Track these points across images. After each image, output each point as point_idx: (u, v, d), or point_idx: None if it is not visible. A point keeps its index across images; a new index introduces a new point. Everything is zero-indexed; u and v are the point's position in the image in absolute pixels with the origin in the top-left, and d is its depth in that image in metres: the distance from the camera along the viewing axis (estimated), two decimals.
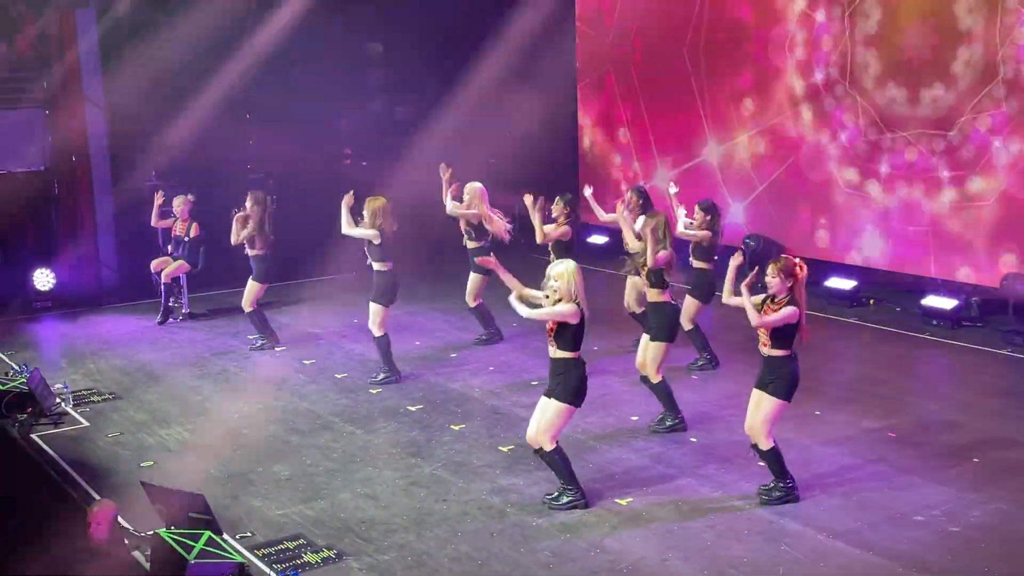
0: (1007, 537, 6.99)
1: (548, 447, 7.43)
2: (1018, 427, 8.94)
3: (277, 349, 11.78)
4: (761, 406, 7.46)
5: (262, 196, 11.73)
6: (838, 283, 13.12)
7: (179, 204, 12.97)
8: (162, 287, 12.98)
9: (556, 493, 7.58)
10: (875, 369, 10.66)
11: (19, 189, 14.37)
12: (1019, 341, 11.11)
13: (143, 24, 14.81)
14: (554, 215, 10.74)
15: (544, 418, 7.41)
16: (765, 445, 7.47)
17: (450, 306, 12.94)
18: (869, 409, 9.43)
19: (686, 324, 10.32)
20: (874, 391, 9.94)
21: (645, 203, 10.52)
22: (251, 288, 11.67)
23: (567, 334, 7.26)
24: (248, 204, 11.55)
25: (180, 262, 12.96)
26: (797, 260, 7.45)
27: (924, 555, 6.74)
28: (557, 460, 7.48)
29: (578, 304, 7.19)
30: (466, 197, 11.46)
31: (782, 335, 7.32)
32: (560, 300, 7.20)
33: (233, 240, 11.65)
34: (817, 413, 9.22)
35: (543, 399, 7.49)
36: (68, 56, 14.49)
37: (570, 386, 7.34)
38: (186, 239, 12.90)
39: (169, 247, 13.13)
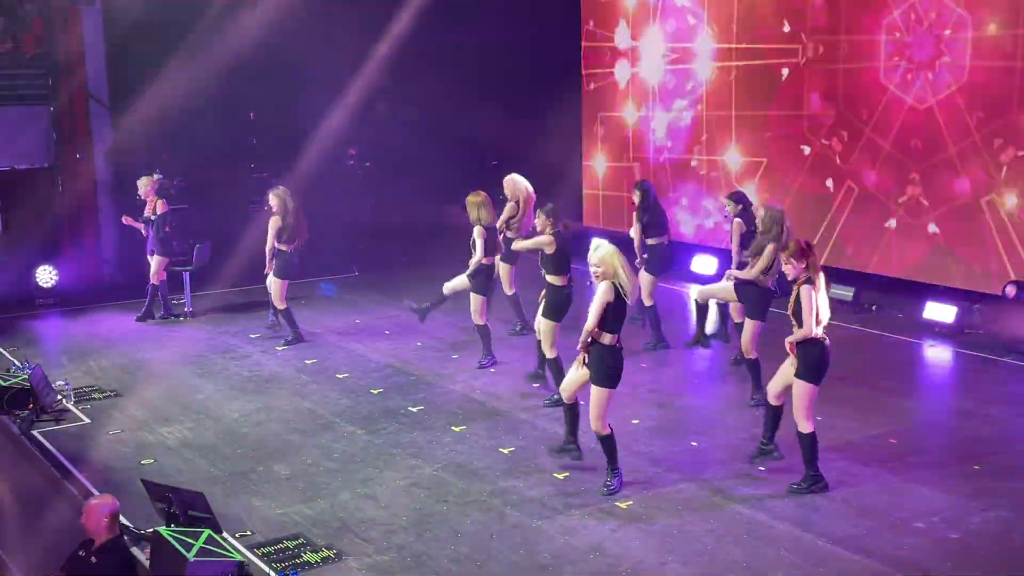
0: (1008, 544, 6.98)
1: (606, 432, 7.65)
2: (1019, 435, 8.94)
3: (278, 348, 11.79)
4: (794, 391, 7.57)
5: (282, 192, 11.80)
6: (839, 290, 13.10)
7: (144, 185, 12.83)
8: (151, 287, 12.96)
9: (609, 480, 7.77)
10: (876, 375, 10.65)
11: (23, 186, 14.41)
12: (1020, 349, 11.10)
13: (147, 22, 14.84)
14: (539, 229, 9.81)
15: (592, 405, 7.60)
16: (804, 428, 7.56)
17: (452, 307, 12.91)
18: (870, 415, 9.43)
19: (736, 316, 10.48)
20: (875, 397, 9.94)
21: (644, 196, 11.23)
22: (275, 285, 11.73)
23: (607, 316, 7.44)
24: (272, 202, 11.75)
25: (156, 259, 12.84)
26: (804, 241, 7.62)
27: (924, 561, 6.74)
28: (612, 444, 7.73)
29: (615, 284, 7.41)
30: (508, 191, 11.47)
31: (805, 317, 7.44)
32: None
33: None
34: (818, 418, 9.17)
35: (585, 375, 7.68)
36: (73, 54, 14.53)
37: (604, 369, 7.53)
38: (153, 217, 12.78)
39: (141, 225, 12.93)
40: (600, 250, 7.55)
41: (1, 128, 14.33)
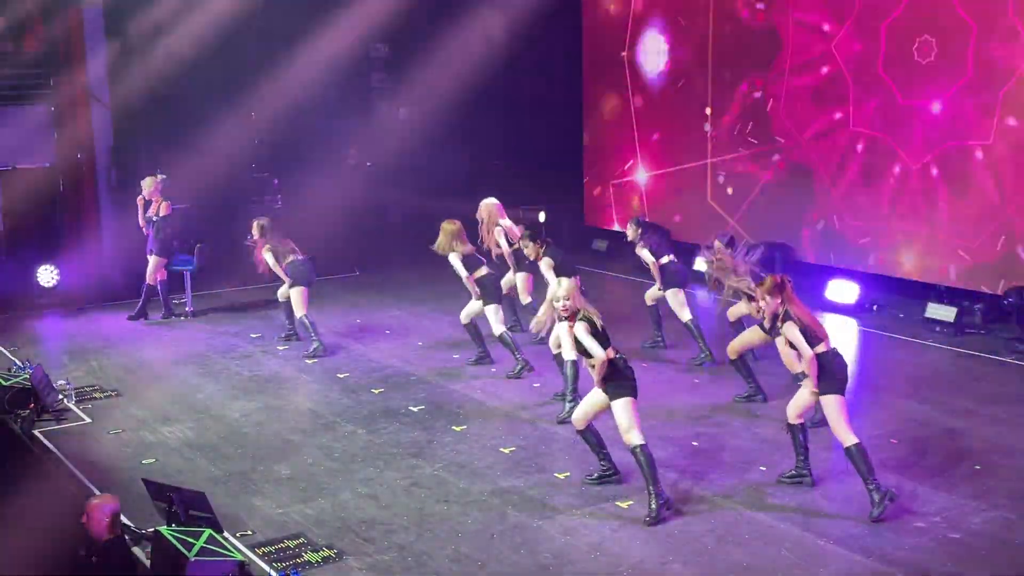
0: (1008, 544, 6.98)
1: (639, 441, 7.40)
2: (1020, 435, 8.93)
3: (279, 348, 11.80)
4: (824, 409, 7.51)
5: (263, 221, 11.70)
6: (841, 289, 13.10)
7: (149, 185, 12.79)
8: (147, 287, 12.96)
9: (652, 505, 7.40)
10: (878, 375, 10.65)
11: (25, 186, 14.42)
12: (1022, 349, 11.10)
13: (150, 22, 14.85)
14: (532, 257, 10.31)
15: (618, 420, 7.50)
16: (848, 441, 7.38)
17: (453, 306, 12.91)
18: (871, 415, 9.42)
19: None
20: (876, 397, 9.93)
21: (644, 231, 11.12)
22: (295, 294, 11.51)
23: (589, 345, 7.41)
24: (255, 233, 11.64)
25: (153, 259, 12.84)
26: (779, 276, 7.55)
27: (925, 561, 6.73)
28: (651, 457, 7.46)
29: (585, 318, 7.40)
30: (482, 214, 11.46)
31: (805, 340, 7.37)
32: (570, 318, 7.47)
33: (260, 268, 11.78)
34: (819, 418, 9.19)
35: (603, 398, 7.60)
36: (75, 54, 14.54)
37: (620, 382, 7.49)
38: (155, 218, 12.76)
39: (142, 224, 12.96)
40: (564, 283, 7.57)
41: (2, 127, 14.34)
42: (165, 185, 13.03)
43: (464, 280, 10.59)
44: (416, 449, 8.77)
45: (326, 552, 6.97)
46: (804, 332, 7.37)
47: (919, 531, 7.15)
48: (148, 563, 6.58)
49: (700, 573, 6.65)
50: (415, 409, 9.75)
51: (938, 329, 11.98)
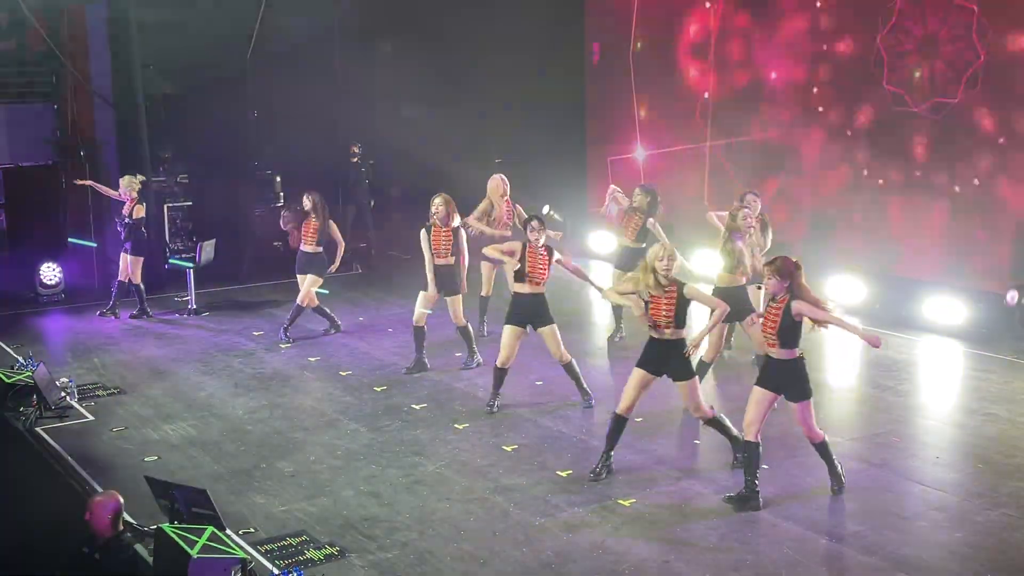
0: (1010, 543, 6.98)
1: (711, 414, 7.86)
2: (1022, 434, 8.93)
3: (282, 347, 11.81)
4: (801, 412, 7.47)
5: (319, 197, 11.87)
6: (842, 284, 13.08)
7: (126, 184, 12.79)
8: (133, 288, 12.98)
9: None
10: (880, 374, 10.65)
11: (27, 183, 14.43)
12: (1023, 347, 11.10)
13: (152, 20, 14.86)
14: (533, 240, 9.32)
15: (692, 396, 7.81)
16: (819, 437, 7.61)
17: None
18: (873, 414, 9.43)
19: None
20: (878, 395, 9.93)
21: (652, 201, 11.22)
22: (311, 282, 11.84)
23: (686, 313, 7.64)
24: (307, 204, 11.78)
25: (131, 259, 12.85)
26: (793, 258, 7.36)
27: (927, 559, 6.74)
28: (726, 423, 7.97)
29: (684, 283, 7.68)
30: (488, 190, 11.59)
31: (790, 335, 7.27)
32: (673, 285, 7.59)
33: (292, 243, 12.01)
34: (821, 417, 9.20)
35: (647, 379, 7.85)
36: (77, 51, 14.55)
37: (690, 360, 7.81)
38: (127, 220, 12.77)
39: (118, 225, 13.02)
40: (668, 246, 7.79)
41: (6, 125, 14.37)
42: (144, 186, 13.05)
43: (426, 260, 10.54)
44: (418, 447, 8.78)
45: (328, 550, 6.97)
46: (796, 327, 7.22)
47: (921, 530, 7.16)
48: (151, 560, 6.59)
49: (702, 571, 6.65)
50: (417, 407, 9.76)
51: (941, 327, 11.96)
